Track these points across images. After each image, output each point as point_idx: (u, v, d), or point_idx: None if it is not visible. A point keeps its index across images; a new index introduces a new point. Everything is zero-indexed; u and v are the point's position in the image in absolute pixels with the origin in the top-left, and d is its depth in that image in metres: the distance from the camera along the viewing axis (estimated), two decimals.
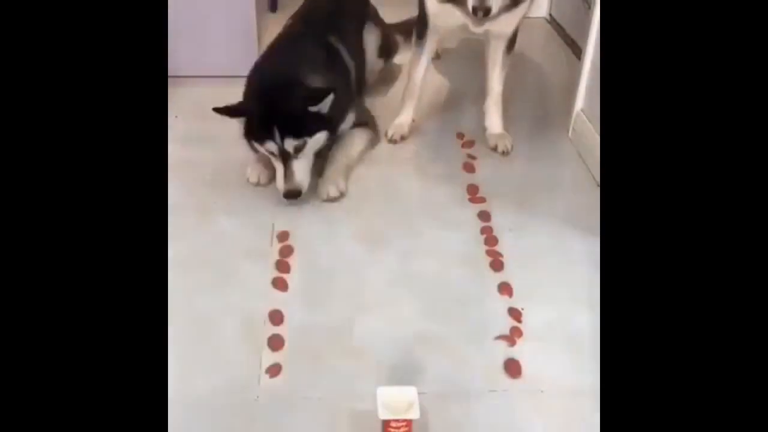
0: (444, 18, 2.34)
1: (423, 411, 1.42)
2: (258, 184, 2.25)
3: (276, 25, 3.38)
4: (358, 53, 2.60)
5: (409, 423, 1.39)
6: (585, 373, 1.60)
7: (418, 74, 2.52)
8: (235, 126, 2.60)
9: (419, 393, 1.42)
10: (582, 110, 2.54)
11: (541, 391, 1.59)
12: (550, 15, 3.68)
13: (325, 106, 2.11)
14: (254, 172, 2.26)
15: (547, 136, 2.65)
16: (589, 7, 2.55)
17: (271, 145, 2.08)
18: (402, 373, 1.61)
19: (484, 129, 2.57)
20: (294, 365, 1.63)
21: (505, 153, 2.50)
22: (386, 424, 1.39)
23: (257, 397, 1.56)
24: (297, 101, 2.08)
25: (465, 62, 3.14)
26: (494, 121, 2.56)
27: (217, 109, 2.09)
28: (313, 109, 2.09)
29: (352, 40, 2.56)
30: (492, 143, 2.52)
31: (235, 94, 2.76)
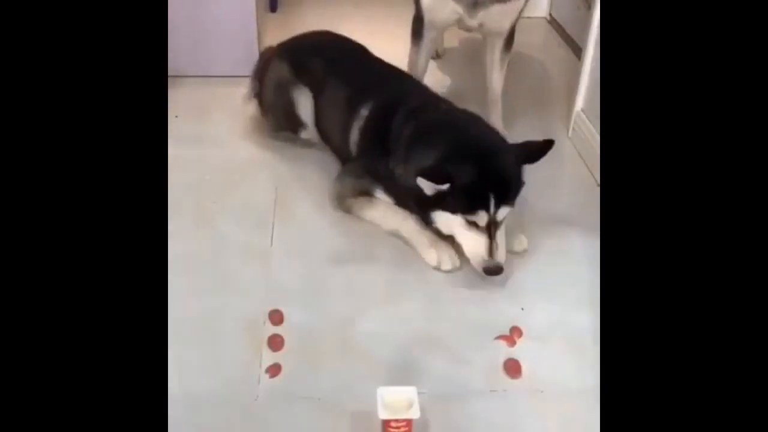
0: (438, 12, 2.34)
1: (423, 411, 1.41)
2: (453, 269, 1.91)
3: (276, 25, 3.41)
4: None
5: (409, 423, 1.39)
6: (585, 373, 1.60)
7: (419, 74, 2.52)
8: (234, 126, 2.62)
9: (419, 393, 1.42)
10: (582, 110, 2.54)
11: (541, 391, 1.59)
12: (550, 15, 3.68)
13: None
14: (444, 255, 1.92)
15: (547, 136, 2.63)
16: (589, 7, 2.55)
17: (482, 217, 1.80)
18: (402, 373, 1.61)
19: None
20: (294, 365, 1.63)
21: None
22: (386, 424, 1.39)
23: (257, 397, 1.55)
24: (515, 162, 1.85)
25: (465, 62, 3.14)
26: (494, 121, 2.56)
27: (424, 175, 1.78)
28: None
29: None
30: None
31: (234, 95, 2.78)
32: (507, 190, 1.82)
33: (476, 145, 1.86)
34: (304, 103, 2.37)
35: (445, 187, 1.78)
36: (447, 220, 1.85)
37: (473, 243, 1.83)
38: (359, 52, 2.42)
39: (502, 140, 1.96)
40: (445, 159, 1.82)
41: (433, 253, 1.93)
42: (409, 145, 1.94)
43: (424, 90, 2.27)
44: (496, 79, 2.52)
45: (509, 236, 1.96)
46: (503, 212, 1.82)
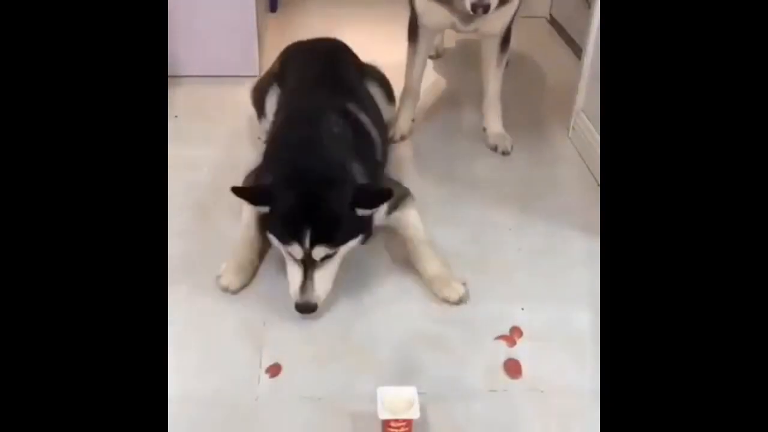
0: (432, 16, 2.35)
1: (423, 411, 1.42)
2: (227, 290, 1.81)
3: (276, 25, 3.41)
4: (375, 114, 2.21)
5: (409, 423, 1.39)
6: (585, 373, 1.60)
7: (416, 75, 2.53)
8: (234, 126, 2.63)
9: (419, 393, 1.42)
10: (582, 110, 2.54)
11: (541, 391, 1.59)
12: (551, 15, 3.68)
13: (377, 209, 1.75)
14: (228, 275, 1.83)
15: (547, 136, 2.65)
16: (589, 7, 2.55)
17: (296, 250, 1.67)
18: (402, 373, 1.62)
19: (483, 129, 2.57)
20: (294, 365, 1.63)
21: (505, 153, 2.50)
22: (386, 424, 1.39)
23: (257, 397, 1.56)
24: (343, 202, 1.68)
25: (465, 62, 3.14)
26: (493, 121, 2.56)
27: (236, 191, 1.73)
28: (362, 212, 1.72)
29: (365, 99, 2.21)
30: (492, 143, 2.52)
31: (234, 95, 2.78)
32: (324, 228, 1.66)
33: (307, 176, 1.71)
34: (272, 99, 2.32)
35: (266, 209, 1.71)
36: (275, 244, 1.76)
37: (291, 274, 1.71)
38: (327, 65, 2.29)
39: (344, 176, 1.74)
40: (277, 181, 1.73)
41: (224, 267, 1.84)
42: (267, 159, 1.92)
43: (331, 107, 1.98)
44: (493, 78, 2.52)
45: (442, 285, 1.82)
46: (320, 252, 1.67)
